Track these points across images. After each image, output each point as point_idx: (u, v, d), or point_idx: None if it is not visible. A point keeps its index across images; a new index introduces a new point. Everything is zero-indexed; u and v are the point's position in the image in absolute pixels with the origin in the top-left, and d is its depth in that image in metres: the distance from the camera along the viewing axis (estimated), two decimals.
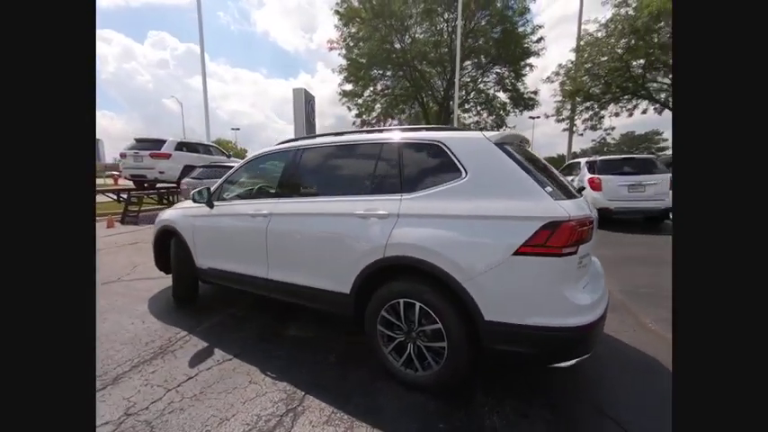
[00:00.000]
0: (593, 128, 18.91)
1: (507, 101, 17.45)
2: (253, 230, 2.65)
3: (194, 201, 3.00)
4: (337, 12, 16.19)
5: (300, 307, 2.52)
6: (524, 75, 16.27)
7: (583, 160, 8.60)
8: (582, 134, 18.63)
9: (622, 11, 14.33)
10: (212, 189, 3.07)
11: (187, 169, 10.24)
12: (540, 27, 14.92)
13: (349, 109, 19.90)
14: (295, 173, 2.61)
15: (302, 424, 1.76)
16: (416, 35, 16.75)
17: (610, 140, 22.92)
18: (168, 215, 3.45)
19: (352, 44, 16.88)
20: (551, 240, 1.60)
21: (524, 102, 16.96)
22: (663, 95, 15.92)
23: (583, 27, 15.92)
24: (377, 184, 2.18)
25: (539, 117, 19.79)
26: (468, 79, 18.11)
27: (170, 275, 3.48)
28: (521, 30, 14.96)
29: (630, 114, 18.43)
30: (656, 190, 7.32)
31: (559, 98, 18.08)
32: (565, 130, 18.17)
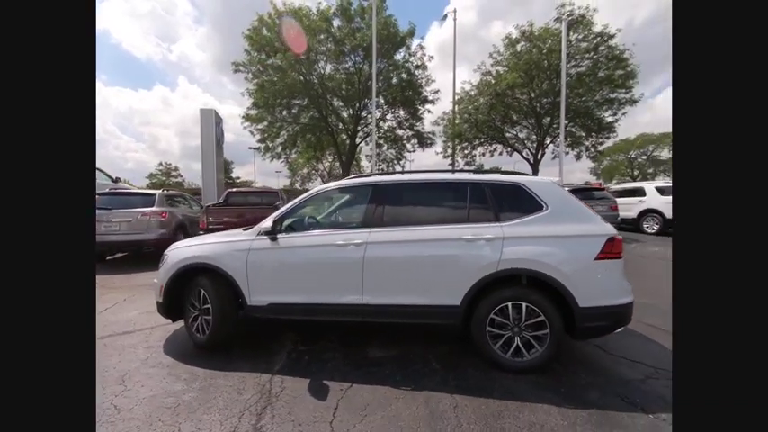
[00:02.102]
0: (468, 164, 23.40)
1: (405, 138, 19.98)
2: (344, 259, 2.80)
3: (262, 234, 2.90)
4: (250, 37, 15.67)
5: (359, 328, 2.73)
6: (422, 117, 19.19)
7: None
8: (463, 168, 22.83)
9: (487, 78, 18.81)
10: (273, 222, 3.01)
11: None
12: (434, 81, 18.17)
13: (252, 134, 18.98)
14: (384, 205, 2.91)
15: (473, 412, 2.13)
16: (326, 71, 17.70)
17: None
18: (199, 252, 3.09)
19: (261, 69, 16.49)
20: (614, 248, 2.53)
21: (424, 140, 19.84)
22: (514, 142, 21.17)
23: (460, 85, 20.03)
24: (472, 214, 2.77)
25: (415, 150, 23.12)
26: (369, 115, 19.97)
27: (159, 323, 3.06)
28: (419, 81, 17.79)
29: (492, 155, 23.61)
30: None
31: (444, 138, 21.83)
32: (449, 164, 21.86)
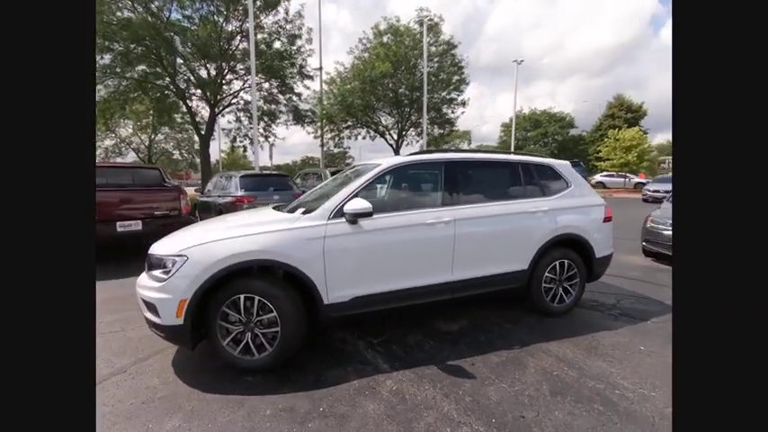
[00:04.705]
0: (336, 145, 23.77)
1: (270, 112, 18.03)
2: (435, 238, 2.72)
3: (337, 216, 2.46)
4: None
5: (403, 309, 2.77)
6: (300, 94, 17.71)
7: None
8: (330, 150, 23.02)
9: (358, 62, 19.35)
10: (336, 204, 2.54)
11: None
12: (310, 55, 16.89)
13: None
14: (459, 182, 2.94)
15: (576, 348, 2.64)
16: (170, 15, 13.68)
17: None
18: (254, 245, 2.28)
19: None
20: (608, 214, 3.51)
21: (302, 117, 18.43)
22: (380, 128, 22.84)
23: (334, 65, 19.74)
24: (527, 190, 3.20)
25: (288, 127, 21.95)
26: (232, 83, 16.93)
27: (130, 361, 2.28)
28: (295, 52, 16.17)
29: (356, 138, 24.69)
30: None
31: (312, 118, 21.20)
32: (320, 145, 21.56)
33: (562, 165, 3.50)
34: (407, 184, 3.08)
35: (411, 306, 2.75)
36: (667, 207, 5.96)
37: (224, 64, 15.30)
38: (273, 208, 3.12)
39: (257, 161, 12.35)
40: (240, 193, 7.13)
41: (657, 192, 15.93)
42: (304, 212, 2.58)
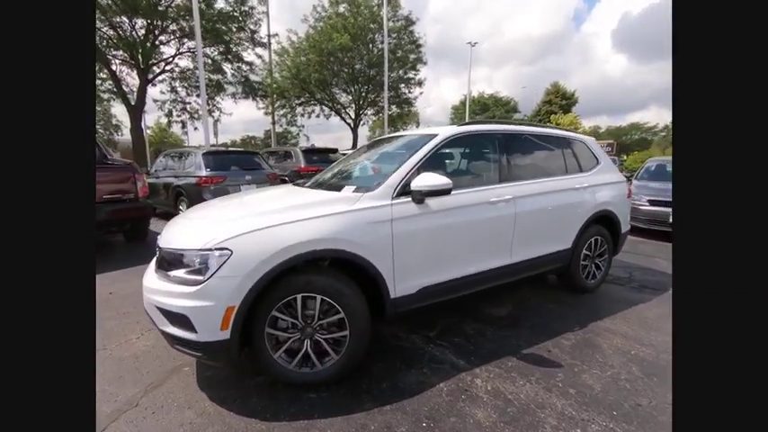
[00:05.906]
0: (289, 123, 22.19)
1: (213, 83, 15.94)
2: (497, 218, 2.48)
3: (402, 195, 2.11)
4: None
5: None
6: (251, 63, 15.70)
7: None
8: (283, 127, 21.43)
9: (313, 32, 17.90)
10: (400, 181, 2.15)
11: None
12: (261, 19, 14.84)
13: None
14: (513, 156, 2.70)
15: (630, 323, 2.65)
16: None
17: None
18: (316, 231, 1.81)
19: None
20: (629, 190, 3.58)
21: (255, 90, 16.46)
22: (337, 105, 21.73)
23: (287, 34, 18.03)
24: (568, 165, 3.09)
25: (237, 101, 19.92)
26: (158, 45, 14.40)
27: (133, 392, 1.84)
28: (245, 14, 14.10)
29: (309, 116, 23.29)
30: None
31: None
32: (271, 122, 19.89)
33: (591, 141, 3.45)
34: (464, 157, 2.75)
35: (471, 294, 2.50)
36: (636, 185, 6.51)
37: (155, 22, 13.02)
38: (294, 185, 2.61)
39: (207, 137, 10.89)
40: (205, 173, 6.14)
41: None
42: (355, 191, 2.14)
